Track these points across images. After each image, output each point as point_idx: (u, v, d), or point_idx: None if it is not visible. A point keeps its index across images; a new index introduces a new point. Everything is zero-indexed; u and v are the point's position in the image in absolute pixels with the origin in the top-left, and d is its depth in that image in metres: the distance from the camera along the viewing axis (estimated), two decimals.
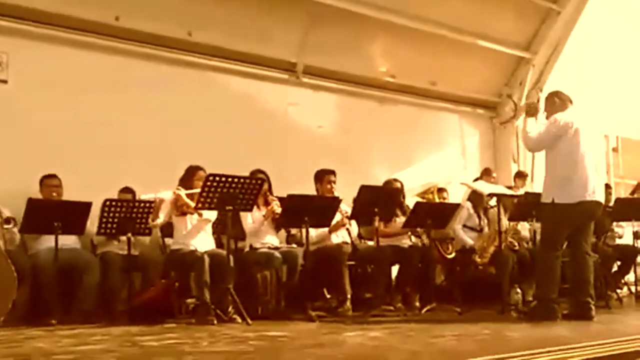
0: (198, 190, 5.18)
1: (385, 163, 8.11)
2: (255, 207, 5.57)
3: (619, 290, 7.19)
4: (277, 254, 5.61)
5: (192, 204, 5.28)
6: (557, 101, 5.23)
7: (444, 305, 5.90)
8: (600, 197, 5.08)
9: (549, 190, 5.13)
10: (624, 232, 7.60)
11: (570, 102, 5.23)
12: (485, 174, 7.60)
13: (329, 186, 6.18)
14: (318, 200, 5.90)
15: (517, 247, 6.41)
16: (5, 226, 5.10)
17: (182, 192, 5.34)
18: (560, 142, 5.04)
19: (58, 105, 6.14)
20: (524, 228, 6.82)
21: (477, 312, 5.64)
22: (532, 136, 5.23)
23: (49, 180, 5.69)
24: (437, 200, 6.82)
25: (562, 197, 5.00)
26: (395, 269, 6.45)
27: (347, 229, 6.27)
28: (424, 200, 6.68)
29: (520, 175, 8.39)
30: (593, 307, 4.98)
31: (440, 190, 7.17)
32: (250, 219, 5.74)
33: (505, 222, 6.22)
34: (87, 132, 6.26)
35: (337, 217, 6.02)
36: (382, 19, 7.69)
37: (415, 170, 8.39)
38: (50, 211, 5.21)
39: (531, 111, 5.33)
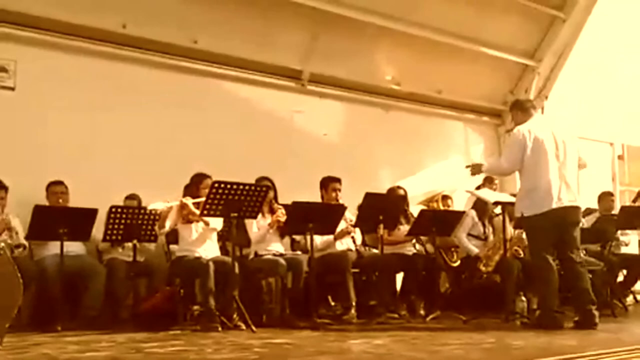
0: (204, 199, 5.18)
1: (391, 171, 8.11)
2: (260, 215, 5.58)
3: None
4: (282, 261, 5.61)
5: (198, 213, 5.29)
6: (520, 113, 5.29)
7: (448, 313, 5.90)
8: (570, 202, 5.04)
9: (518, 203, 5.21)
10: (630, 240, 7.56)
11: (534, 108, 5.30)
12: (487, 181, 7.60)
13: (334, 194, 6.18)
14: (323, 207, 5.91)
15: (522, 255, 6.40)
16: (17, 250, 5.15)
17: (189, 201, 5.36)
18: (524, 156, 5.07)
19: (65, 113, 6.17)
20: None
21: (482, 320, 5.63)
22: (503, 165, 5.34)
23: (55, 187, 5.72)
24: (441, 207, 6.80)
25: (530, 209, 5.04)
26: (400, 277, 6.45)
27: (352, 237, 6.28)
28: (428, 208, 6.67)
29: None
30: (596, 314, 4.96)
31: (445, 197, 7.16)
32: (255, 227, 5.75)
33: (510, 230, 6.21)
34: (94, 138, 6.29)
35: (342, 225, 6.03)
36: (387, 27, 7.71)
37: (420, 177, 8.39)
38: (56, 218, 5.23)
39: (475, 171, 5.44)
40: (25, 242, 5.35)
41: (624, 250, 7.52)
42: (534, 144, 5.04)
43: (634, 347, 3.76)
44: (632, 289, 7.54)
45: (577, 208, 5.13)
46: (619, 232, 7.27)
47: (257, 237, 5.75)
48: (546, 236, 5.08)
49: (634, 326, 5.66)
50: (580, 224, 5.29)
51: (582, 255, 5.28)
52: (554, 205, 4.98)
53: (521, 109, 5.30)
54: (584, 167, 5.53)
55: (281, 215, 5.72)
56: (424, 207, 6.62)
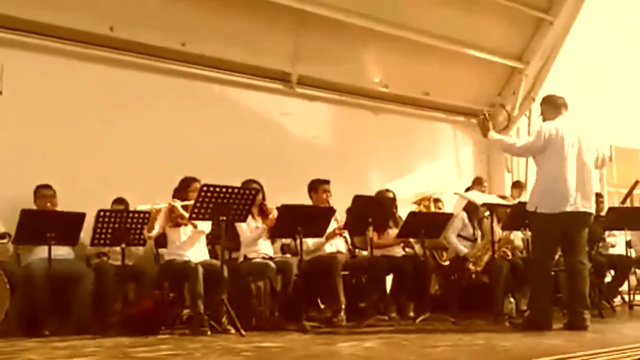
0: (193, 202, 5.17)
1: (380, 173, 8.14)
2: (250, 217, 5.57)
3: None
4: (271, 264, 5.60)
5: (187, 215, 5.28)
6: (550, 109, 5.24)
7: (438, 314, 5.91)
8: (585, 207, 5.02)
9: (532, 198, 5.18)
10: (617, 241, 7.61)
11: (565, 107, 5.20)
12: (477, 183, 7.63)
13: (324, 196, 6.18)
14: (312, 210, 5.90)
15: (510, 257, 6.43)
16: (1, 241, 5.11)
17: (178, 204, 5.34)
18: (545, 152, 5.04)
19: (53, 116, 6.15)
20: (517, 237, 6.84)
21: (471, 321, 5.65)
22: (515, 147, 5.37)
23: (43, 191, 5.68)
24: (433, 210, 6.83)
25: (544, 207, 5.02)
26: (389, 279, 6.46)
27: (345, 237, 6.28)
28: (419, 209, 6.69)
29: (517, 186, 8.42)
30: (587, 318, 4.98)
31: (437, 200, 7.19)
32: (246, 229, 5.73)
33: (498, 232, 6.23)
34: (82, 142, 6.28)
35: (334, 225, 6.03)
36: (375, 30, 7.73)
37: (409, 179, 8.41)
38: (44, 222, 5.18)
39: (484, 131, 5.33)
40: (8, 231, 5.28)
41: (611, 251, 7.57)
42: (559, 144, 4.98)
43: (621, 347, 3.78)
44: (620, 289, 7.58)
45: (589, 214, 5.09)
46: (607, 233, 7.32)
47: (253, 237, 5.73)
48: (552, 237, 5.06)
49: (621, 327, 5.68)
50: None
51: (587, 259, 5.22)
52: (569, 209, 4.94)
53: (553, 106, 5.21)
54: (604, 164, 5.48)
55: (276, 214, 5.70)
56: (417, 206, 6.64)
